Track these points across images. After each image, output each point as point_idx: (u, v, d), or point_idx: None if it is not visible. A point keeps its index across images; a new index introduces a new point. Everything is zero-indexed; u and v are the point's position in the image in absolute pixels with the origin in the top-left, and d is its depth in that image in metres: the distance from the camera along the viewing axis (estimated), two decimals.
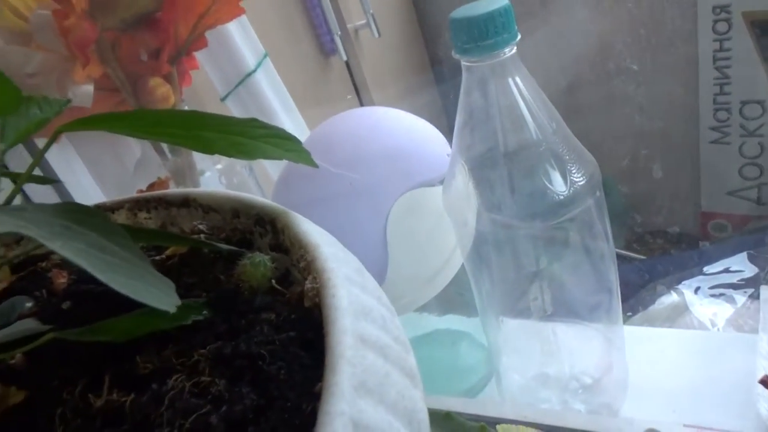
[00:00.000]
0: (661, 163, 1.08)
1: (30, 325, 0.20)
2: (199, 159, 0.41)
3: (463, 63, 0.28)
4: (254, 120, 0.18)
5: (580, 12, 0.94)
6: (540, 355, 0.38)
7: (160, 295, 0.15)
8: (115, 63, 0.35)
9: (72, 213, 0.16)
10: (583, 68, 0.99)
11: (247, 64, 0.52)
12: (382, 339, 0.15)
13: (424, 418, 0.14)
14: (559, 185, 0.28)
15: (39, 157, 0.17)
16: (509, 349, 0.37)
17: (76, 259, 0.13)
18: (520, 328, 0.36)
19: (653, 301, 0.62)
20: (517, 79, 0.28)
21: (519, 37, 0.27)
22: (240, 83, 0.52)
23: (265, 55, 0.53)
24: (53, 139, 0.17)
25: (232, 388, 0.15)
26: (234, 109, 0.53)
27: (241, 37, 0.52)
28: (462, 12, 0.27)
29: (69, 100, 0.18)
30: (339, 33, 0.75)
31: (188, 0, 0.33)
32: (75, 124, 0.17)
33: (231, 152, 0.20)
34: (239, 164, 0.46)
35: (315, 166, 0.21)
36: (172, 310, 0.14)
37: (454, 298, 0.44)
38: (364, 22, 0.80)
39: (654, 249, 1.05)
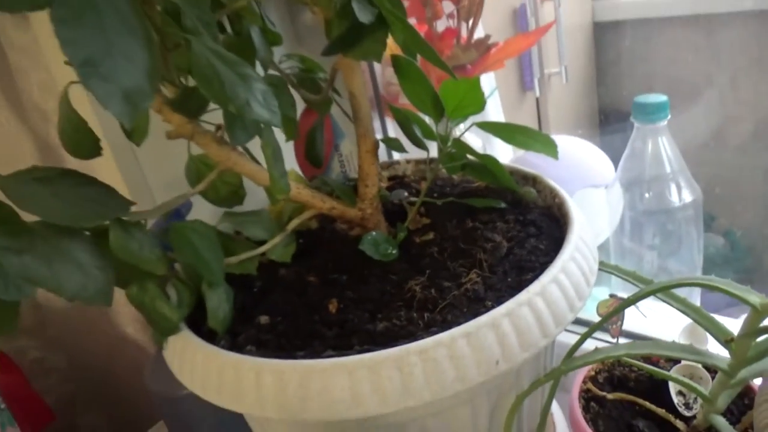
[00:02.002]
0: None
1: (414, 198, 0.48)
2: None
3: (636, 125, 0.52)
4: (540, 133, 0.44)
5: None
6: None
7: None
8: None
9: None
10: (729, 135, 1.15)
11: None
12: (588, 229, 0.40)
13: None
14: (674, 197, 0.51)
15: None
16: None
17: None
18: None
19: None
20: (664, 139, 0.51)
21: (669, 116, 0.51)
22: None
23: (495, 89, 0.80)
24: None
25: (524, 228, 0.41)
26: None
27: None
28: (641, 98, 0.51)
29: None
30: (539, 76, 1.00)
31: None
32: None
33: (524, 145, 0.46)
34: None
35: (557, 158, 0.46)
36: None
37: None
38: (557, 70, 1.04)
39: None
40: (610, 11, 1.22)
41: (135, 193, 0.43)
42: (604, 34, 1.25)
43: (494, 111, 0.81)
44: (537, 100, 1.04)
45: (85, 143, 0.34)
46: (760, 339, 0.34)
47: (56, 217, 0.28)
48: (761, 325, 0.32)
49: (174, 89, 0.32)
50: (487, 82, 0.79)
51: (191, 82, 0.31)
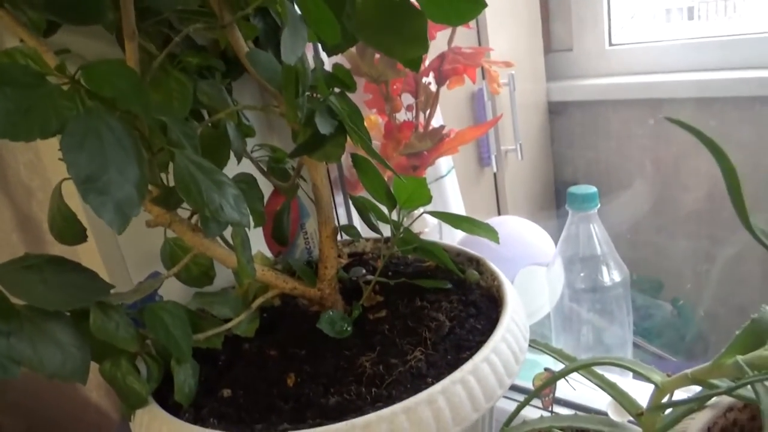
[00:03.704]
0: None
1: (370, 276, 0.53)
2: None
3: (570, 211, 0.59)
4: (482, 222, 0.50)
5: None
6: None
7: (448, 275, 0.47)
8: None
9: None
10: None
11: (441, 170, 0.86)
12: (521, 311, 0.45)
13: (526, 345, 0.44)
14: (605, 277, 0.57)
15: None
16: None
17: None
18: None
19: None
20: (595, 225, 0.58)
21: (599, 205, 0.57)
22: (433, 182, 0.86)
23: (452, 168, 0.87)
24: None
25: (465, 308, 0.46)
26: None
27: None
28: (574, 189, 0.58)
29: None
30: (495, 153, 1.08)
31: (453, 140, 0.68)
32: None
33: (470, 231, 0.51)
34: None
35: (498, 242, 0.52)
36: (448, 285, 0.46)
37: None
38: (513, 147, 1.13)
39: None
40: (562, 92, 1.33)
41: (112, 270, 0.47)
42: (557, 114, 1.36)
43: (452, 188, 0.87)
44: (494, 175, 1.12)
45: (73, 232, 0.38)
46: (665, 413, 0.39)
47: (44, 302, 0.32)
48: (664, 401, 0.37)
49: (156, 188, 0.37)
50: (446, 161, 0.86)
51: (171, 180, 0.36)
